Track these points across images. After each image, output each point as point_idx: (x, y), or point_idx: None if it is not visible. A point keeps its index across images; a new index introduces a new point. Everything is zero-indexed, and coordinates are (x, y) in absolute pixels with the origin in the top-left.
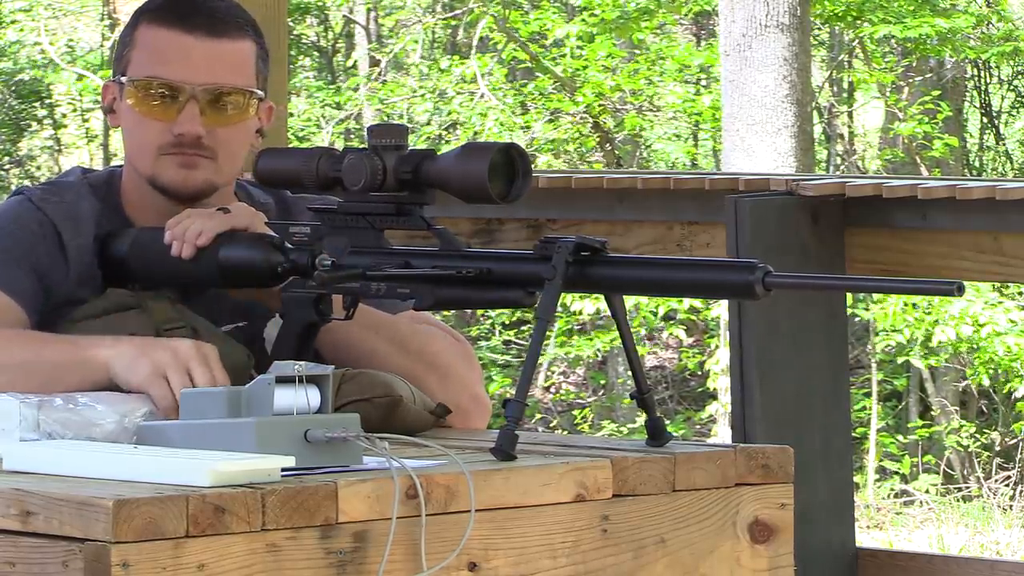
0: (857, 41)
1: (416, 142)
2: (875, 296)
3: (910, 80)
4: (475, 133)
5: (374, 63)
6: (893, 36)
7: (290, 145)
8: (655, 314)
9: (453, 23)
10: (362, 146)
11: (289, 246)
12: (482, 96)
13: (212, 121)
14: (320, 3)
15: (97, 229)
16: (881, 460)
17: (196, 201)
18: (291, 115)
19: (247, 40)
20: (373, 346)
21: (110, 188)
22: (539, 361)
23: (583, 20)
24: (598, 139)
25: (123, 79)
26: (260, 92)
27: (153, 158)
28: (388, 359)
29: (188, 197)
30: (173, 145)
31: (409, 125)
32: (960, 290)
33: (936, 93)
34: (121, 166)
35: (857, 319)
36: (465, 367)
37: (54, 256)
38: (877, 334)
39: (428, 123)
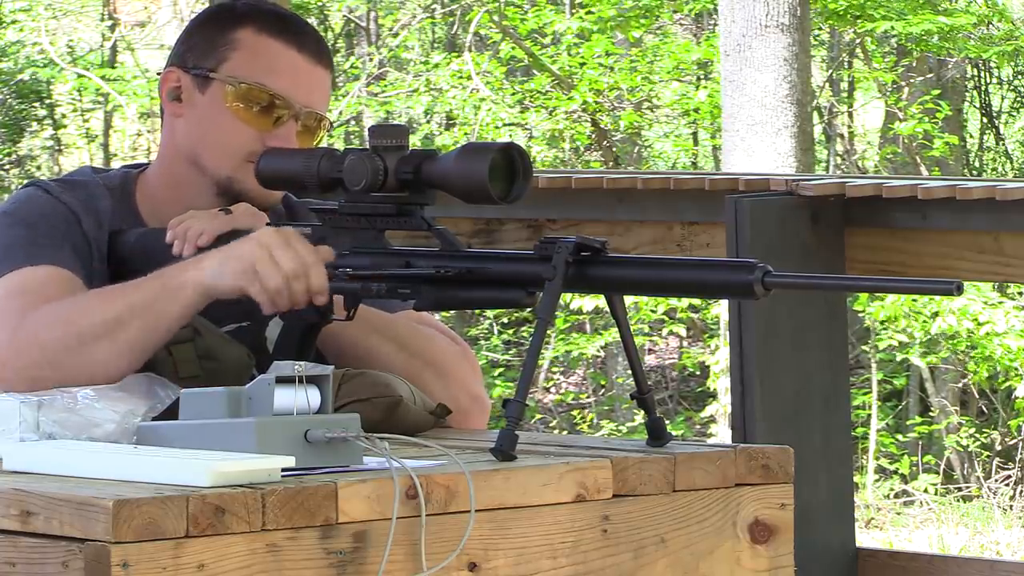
0: (858, 40)
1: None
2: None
3: (910, 80)
4: (468, 134)
5: (375, 63)
6: (894, 33)
7: None
8: (654, 312)
9: (449, 20)
10: (363, 147)
11: None
12: (476, 91)
13: (300, 142)
14: (320, 3)
15: (111, 228)
16: (878, 459)
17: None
18: None
19: (332, 72)
20: (373, 346)
21: (124, 189)
22: (539, 361)
23: (580, 18)
24: (595, 136)
25: (212, 74)
26: (331, 124)
27: (237, 162)
28: (388, 359)
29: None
30: None
31: (408, 125)
32: (959, 289)
33: (936, 93)
34: (134, 166)
35: (860, 315)
36: (464, 367)
37: (84, 244)
38: (878, 334)
39: (428, 120)
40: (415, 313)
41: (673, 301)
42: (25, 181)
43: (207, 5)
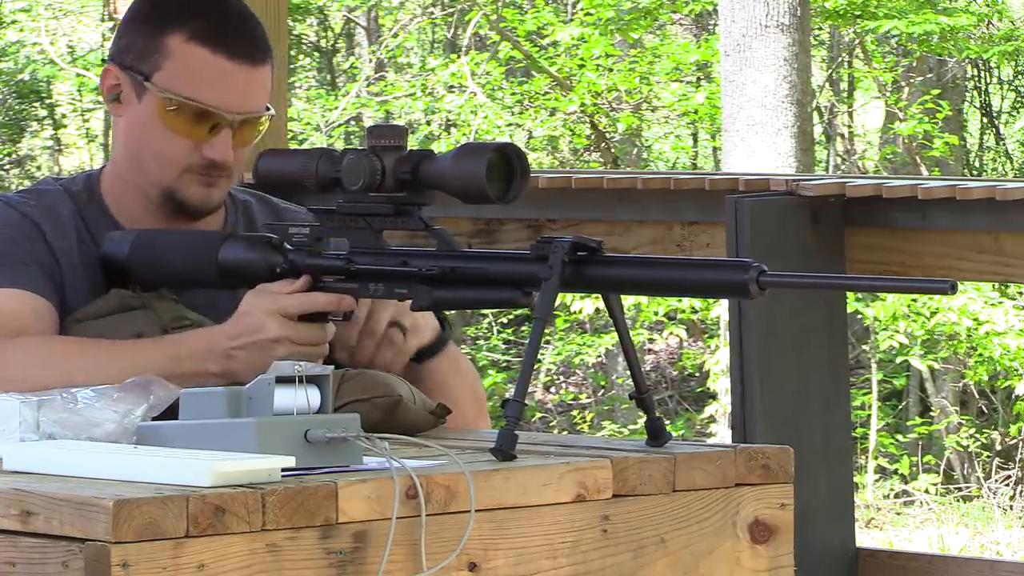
0: (858, 40)
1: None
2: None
3: (910, 80)
4: (467, 134)
5: (373, 64)
6: (895, 33)
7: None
8: (656, 314)
9: (448, 20)
10: (361, 147)
11: (288, 247)
12: (473, 95)
13: (238, 143)
14: (320, 3)
15: (78, 233)
16: (877, 458)
17: (207, 216)
18: (291, 119)
19: (271, 63)
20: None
21: (91, 191)
22: (538, 361)
23: (580, 21)
24: (594, 137)
25: (147, 83)
26: (272, 110)
27: (176, 174)
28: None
29: (204, 214)
30: (202, 166)
31: (408, 126)
32: (954, 288)
33: (936, 93)
34: (96, 169)
35: (859, 317)
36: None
37: (49, 256)
38: (878, 333)
39: (428, 122)
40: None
41: (675, 303)
42: (25, 182)
43: None
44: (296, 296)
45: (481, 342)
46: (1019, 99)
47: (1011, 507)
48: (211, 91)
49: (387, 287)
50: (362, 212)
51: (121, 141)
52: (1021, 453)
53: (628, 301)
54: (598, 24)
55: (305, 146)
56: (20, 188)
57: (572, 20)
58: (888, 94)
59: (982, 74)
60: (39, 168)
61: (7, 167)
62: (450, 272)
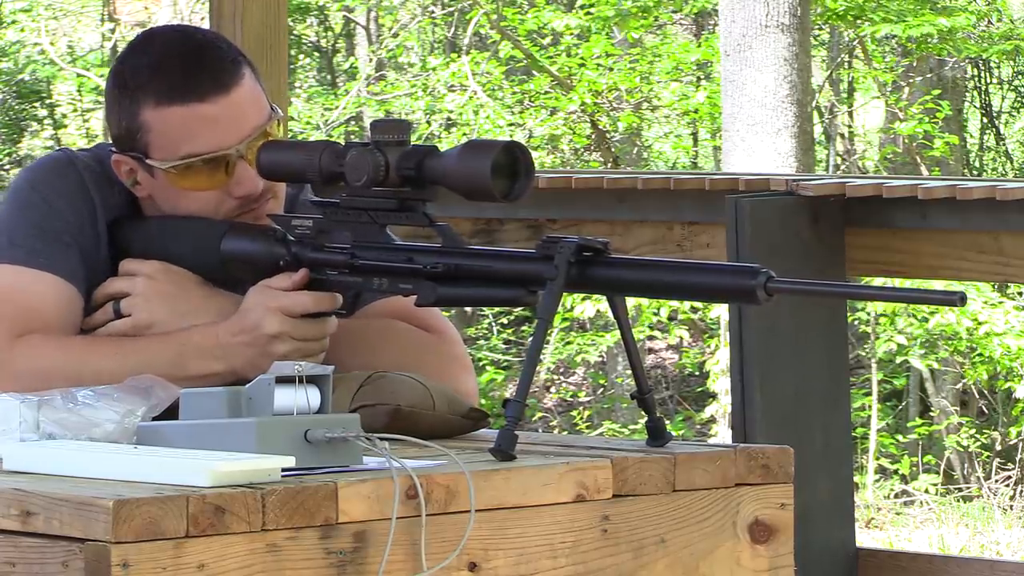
0: (857, 40)
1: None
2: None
3: (910, 80)
4: (467, 134)
5: (373, 64)
6: (895, 35)
7: None
8: (656, 314)
9: (448, 20)
10: (364, 140)
11: (292, 239)
12: (475, 93)
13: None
14: (320, 3)
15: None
16: (878, 459)
17: None
18: (291, 119)
19: (246, 71)
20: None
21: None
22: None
23: (578, 16)
24: (594, 137)
25: (148, 160)
26: (279, 111)
27: (220, 220)
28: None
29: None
30: (239, 207)
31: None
32: (963, 300)
33: (936, 93)
34: (107, 146)
35: (857, 323)
36: (434, 362)
37: (94, 241)
38: (879, 336)
39: (428, 123)
40: (400, 308)
41: (676, 303)
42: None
43: (207, 9)
44: (292, 295)
45: (481, 342)
46: (1019, 99)
47: (1011, 507)
48: (204, 140)
49: (391, 282)
50: (366, 207)
51: (160, 211)
52: (1021, 453)
53: (629, 302)
54: (597, 20)
55: None
56: (86, 147)
57: (571, 15)
58: (888, 94)
59: (982, 74)
60: None
61: (7, 167)
62: (455, 269)
